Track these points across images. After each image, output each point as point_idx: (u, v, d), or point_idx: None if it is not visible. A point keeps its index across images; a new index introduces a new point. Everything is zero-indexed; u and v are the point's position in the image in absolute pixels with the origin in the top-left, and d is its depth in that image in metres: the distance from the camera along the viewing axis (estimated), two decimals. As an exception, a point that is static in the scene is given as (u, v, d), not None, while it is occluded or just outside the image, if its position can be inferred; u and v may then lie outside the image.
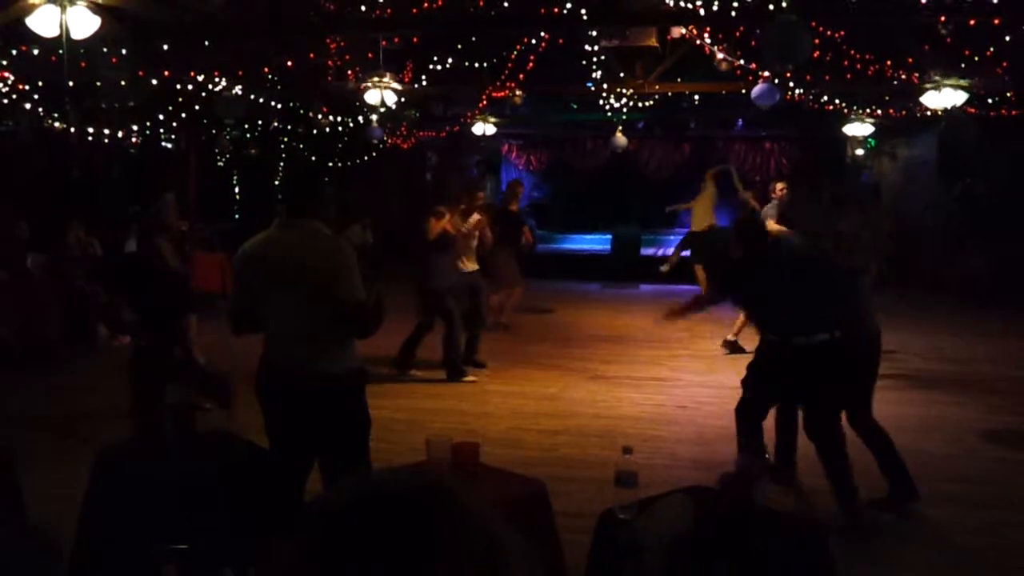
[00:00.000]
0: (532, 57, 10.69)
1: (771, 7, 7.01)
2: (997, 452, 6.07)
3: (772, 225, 8.43)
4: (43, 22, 6.02)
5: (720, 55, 10.26)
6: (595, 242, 17.13)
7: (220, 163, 14.40)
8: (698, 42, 10.16)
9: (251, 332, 3.80)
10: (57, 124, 10.70)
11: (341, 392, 3.67)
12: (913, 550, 4.43)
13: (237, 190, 14.81)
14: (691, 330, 10.74)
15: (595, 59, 11.03)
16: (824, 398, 4.74)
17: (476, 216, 8.19)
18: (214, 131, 13.39)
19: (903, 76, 9.67)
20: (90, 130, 11.11)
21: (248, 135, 14.08)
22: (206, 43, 8.76)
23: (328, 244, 3.66)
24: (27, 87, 9.41)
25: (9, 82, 9.05)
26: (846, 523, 4.48)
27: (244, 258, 3.76)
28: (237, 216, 14.59)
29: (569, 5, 7.71)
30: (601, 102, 12.38)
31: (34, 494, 4.05)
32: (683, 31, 10.08)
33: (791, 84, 10.51)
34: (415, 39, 10.39)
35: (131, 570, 3.29)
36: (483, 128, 13.01)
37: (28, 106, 9.98)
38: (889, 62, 9.62)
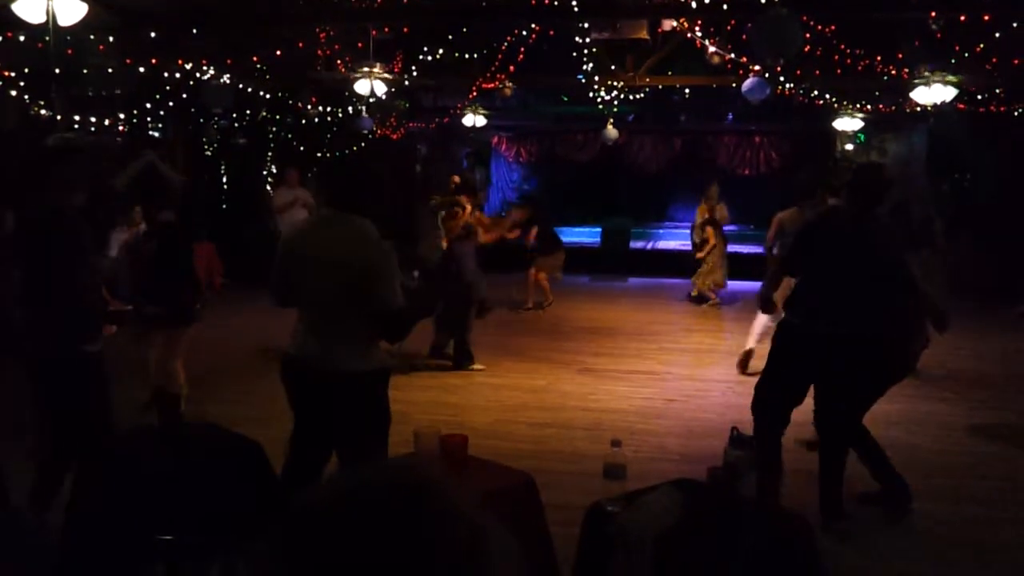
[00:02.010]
0: (522, 49, 10.67)
1: (762, 1, 7.00)
2: (985, 447, 6.11)
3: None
4: (29, 8, 5.97)
5: (711, 48, 10.26)
6: (585, 234, 17.14)
7: (208, 152, 14.31)
8: (689, 35, 10.15)
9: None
10: (43, 112, 10.61)
11: (361, 390, 3.64)
12: (900, 544, 4.45)
13: (224, 180, 14.73)
14: (680, 324, 10.78)
15: (586, 51, 11.01)
16: (863, 394, 4.66)
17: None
18: (201, 120, 13.31)
19: (893, 71, 9.69)
20: (76, 118, 11.02)
21: (236, 124, 14.00)
22: (194, 31, 8.70)
23: (371, 243, 3.60)
24: (12, 74, 9.33)
25: (-6, 69, 8.98)
26: (826, 520, 4.47)
27: (287, 243, 3.74)
28: (224, 206, 14.51)
29: (560, -4, 7.70)
30: (592, 95, 12.36)
31: (20, 485, 4.02)
32: (674, 24, 10.07)
33: (781, 78, 10.52)
34: (405, 29, 10.35)
35: (119, 563, 3.27)
36: (473, 120, 12.98)
37: (14, 93, 9.89)
38: (879, 57, 9.63)
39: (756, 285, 7.76)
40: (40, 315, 4.00)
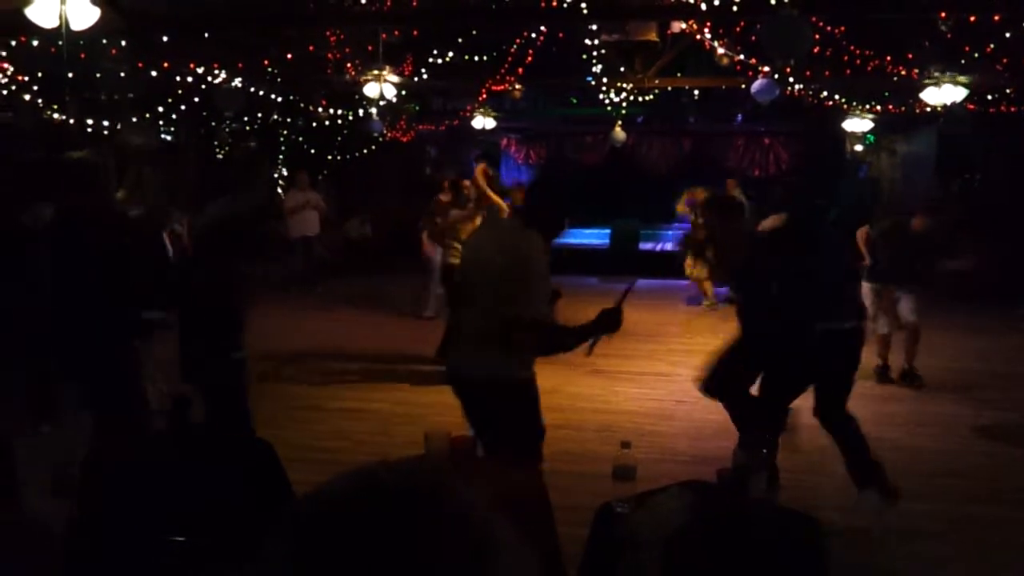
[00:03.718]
0: (532, 51, 10.68)
1: (772, 2, 6.99)
2: (987, 447, 6.09)
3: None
4: (42, 13, 6.01)
5: (720, 50, 10.25)
6: (594, 236, 17.12)
7: (219, 155, 14.37)
8: (698, 37, 10.15)
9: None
10: (56, 116, 10.69)
11: (506, 400, 3.67)
12: (903, 543, 4.45)
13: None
14: (689, 325, 10.77)
15: (595, 53, 11.02)
16: (847, 384, 4.77)
17: None
18: (213, 123, 13.38)
19: (903, 72, 9.66)
20: (89, 122, 11.09)
21: (247, 128, 14.06)
22: (205, 35, 8.75)
23: (526, 249, 3.61)
24: (26, 78, 9.39)
25: (8, 73, 9.03)
26: (873, 501, 4.52)
27: (463, 249, 3.86)
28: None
29: (569, -1, 7.70)
30: (601, 96, 12.36)
31: (28, 482, 4.05)
32: (683, 26, 10.07)
33: (791, 79, 10.50)
34: (415, 32, 10.37)
35: (126, 561, 3.29)
36: (483, 122, 13.00)
37: (27, 97, 9.96)
38: (889, 58, 9.61)
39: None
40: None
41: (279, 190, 14.22)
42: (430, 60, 10.80)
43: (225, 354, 4.26)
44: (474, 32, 10.64)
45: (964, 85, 9.30)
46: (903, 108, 12.21)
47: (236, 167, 4.49)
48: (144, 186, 4.62)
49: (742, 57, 10.21)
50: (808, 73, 10.47)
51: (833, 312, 4.69)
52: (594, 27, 10.04)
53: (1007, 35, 8.34)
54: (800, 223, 5.16)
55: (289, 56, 9.86)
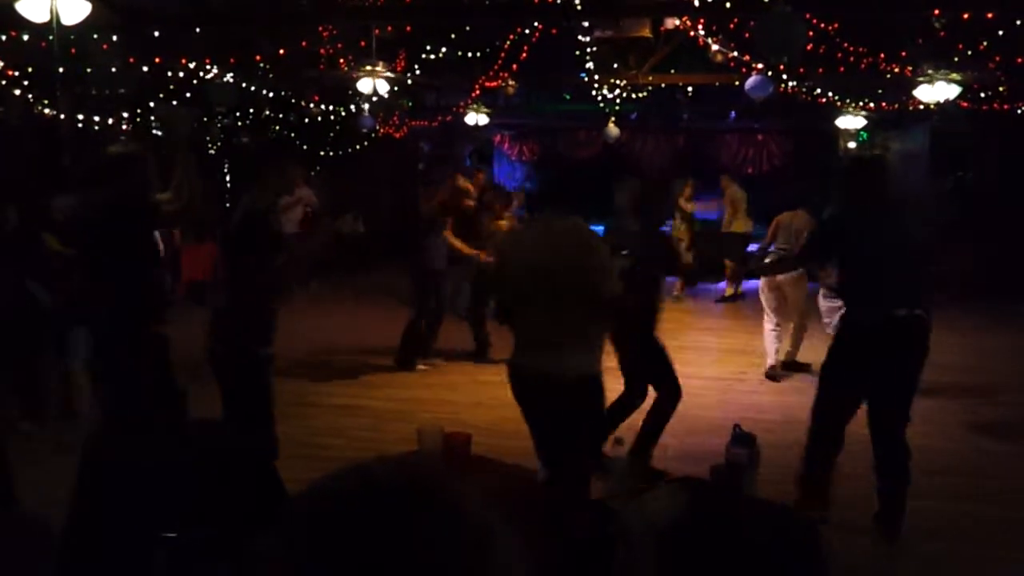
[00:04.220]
0: (525, 47, 10.66)
1: (765, -1, 6.99)
2: (980, 445, 6.12)
3: None
4: (33, 7, 5.98)
5: (714, 47, 10.25)
6: (587, 233, 17.14)
7: (211, 151, 14.32)
8: (692, 33, 10.14)
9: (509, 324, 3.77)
10: (47, 111, 10.63)
11: (576, 397, 3.61)
12: (903, 543, 4.45)
13: (228, 179, 14.73)
14: (681, 321, 10.78)
15: (588, 50, 11.01)
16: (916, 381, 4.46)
17: None
18: (205, 119, 13.31)
19: (896, 69, 9.68)
20: (80, 117, 11.04)
21: (239, 123, 14.01)
22: (197, 30, 8.71)
23: (589, 240, 3.63)
24: (16, 73, 9.34)
25: (-2, 68, 8.99)
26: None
27: (506, 247, 3.77)
28: (227, 205, 14.53)
29: (563, -5, 7.69)
30: (594, 93, 12.36)
31: (23, 482, 4.04)
32: (677, 22, 10.06)
33: (784, 76, 10.51)
34: (408, 28, 10.34)
35: (121, 561, 3.28)
36: (476, 118, 12.98)
37: (18, 92, 9.91)
38: (882, 55, 9.62)
39: (755, 283, 7.74)
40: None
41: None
42: (423, 56, 10.78)
43: (252, 351, 4.21)
44: (467, 28, 10.62)
45: (957, 82, 9.31)
46: (896, 105, 12.23)
47: (251, 161, 4.52)
48: (190, 183, 4.63)
49: (736, 54, 10.21)
50: (802, 70, 10.47)
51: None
52: (587, 23, 10.03)
53: (1000, 33, 8.36)
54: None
55: (281, 51, 9.82)
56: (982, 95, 10.93)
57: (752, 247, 8.42)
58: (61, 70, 8.48)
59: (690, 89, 13.34)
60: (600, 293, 3.50)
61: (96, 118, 11.18)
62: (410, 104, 14.01)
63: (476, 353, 8.36)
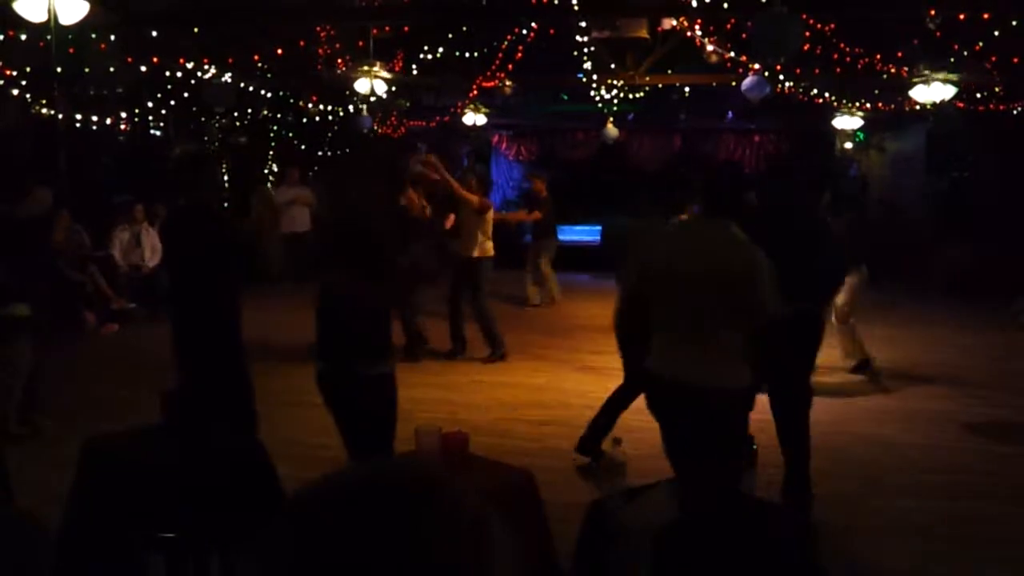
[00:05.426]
0: (522, 47, 10.67)
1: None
2: (978, 444, 6.12)
3: None
4: (31, 7, 5.98)
5: (710, 47, 10.27)
6: (585, 233, 17.13)
7: (209, 151, 14.32)
8: (689, 34, 10.16)
9: (635, 333, 3.67)
10: (45, 111, 10.63)
11: (726, 412, 3.43)
12: (894, 540, 4.47)
13: (226, 179, 14.73)
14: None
15: (586, 50, 11.02)
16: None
17: None
18: (203, 119, 13.31)
19: (892, 70, 9.69)
20: (78, 117, 11.03)
21: (237, 123, 14.00)
22: (195, 30, 8.71)
23: (745, 247, 3.49)
24: (14, 73, 9.33)
25: (-4, 68, 8.98)
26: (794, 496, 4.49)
27: (647, 250, 3.61)
28: (225, 205, 14.51)
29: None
30: (592, 93, 12.36)
31: (20, 481, 4.04)
32: (674, 23, 10.07)
33: (781, 77, 10.53)
34: (406, 28, 10.35)
35: (118, 558, 3.29)
36: (473, 118, 12.98)
37: (15, 92, 9.90)
38: (879, 56, 9.64)
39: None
40: None
41: (269, 186, 14.18)
42: (421, 56, 10.78)
43: (232, 352, 4.21)
44: (465, 28, 10.63)
45: (953, 83, 9.33)
46: (892, 106, 12.25)
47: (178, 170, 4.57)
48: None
49: (732, 54, 10.23)
50: (798, 71, 10.49)
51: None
52: (585, 24, 10.04)
53: (996, 33, 8.37)
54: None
55: (279, 51, 9.82)
56: (978, 95, 10.95)
57: None
58: (59, 70, 8.48)
59: (687, 89, 13.35)
60: (763, 303, 3.40)
61: (94, 118, 11.17)
62: (408, 104, 14.00)
63: (409, 347, 8.15)
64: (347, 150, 15.28)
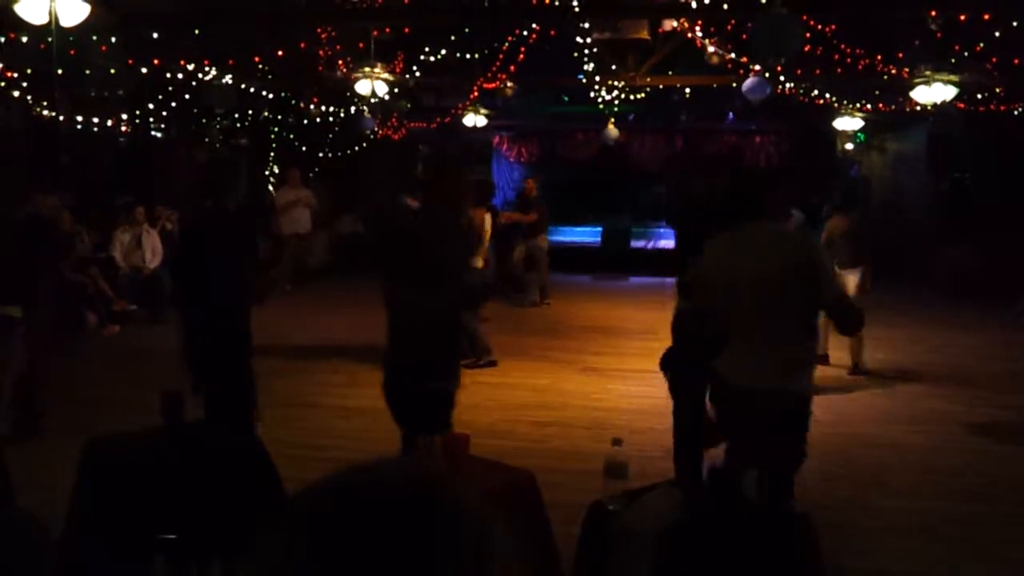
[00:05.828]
0: (523, 49, 10.68)
1: (762, 0, 7.01)
2: (980, 444, 6.12)
3: None
4: (32, 9, 5.99)
5: (711, 48, 10.27)
6: (585, 234, 17.15)
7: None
8: (689, 35, 10.16)
9: (701, 343, 3.65)
10: (46, 112, 10.63)
11: (794, 414, 3.48)
12: (897, 540, 4.47)
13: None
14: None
15: (586, 51, 11.02)
16: None
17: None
18: (204, 120, 13.32)
19: (893, 71, 9.69)
20: (79, 119, 11.04)
21: (238, 125, 14.01)
22: (196, 32, 8.72)
23: (806, 244, 3.55)
24: (15, 75, 9.34)
25: (-3, 70, 8.99)
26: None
27: (710, 256, 3.58)
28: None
29: (561, -3, 7.71)
30: (592, 94, 12.37)
31: (21, 482, 4.04)
32: (674, 24, 10.08)
33: (781, 78, 10.53)
34: (406, 30, 10.35)
35: (120, 560, 3.29)
36: (474, 120, 12.98)
37: (17, 94, 9.91)
38: (879, 56, 9.64)
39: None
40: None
41: (270, 187, 14.18)
42: (422, 57, 10.79)
43: (238, 353, 4.23)
44: (466, 30, 10.64)
45: (954, 84, 9.32)
46: (893, 107, 12.24)
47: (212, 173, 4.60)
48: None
49: (733, 55, 10.23)
50: (799, 72, 10.50)
51: None
52: (586, 25, 10.04)
53: (997, 34, 8.37)
54: None
55: (280, 53, 9.83)
56: (979, 96, 10.95)
57: None
58: (60, 72, 8.49)
59: (688, 90, 13.36)
60: (831, 295, 3.49)
61: (95, 120, 11.18)
62: (408, 106, 14.01)
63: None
64: (348, 152, 15.28)
